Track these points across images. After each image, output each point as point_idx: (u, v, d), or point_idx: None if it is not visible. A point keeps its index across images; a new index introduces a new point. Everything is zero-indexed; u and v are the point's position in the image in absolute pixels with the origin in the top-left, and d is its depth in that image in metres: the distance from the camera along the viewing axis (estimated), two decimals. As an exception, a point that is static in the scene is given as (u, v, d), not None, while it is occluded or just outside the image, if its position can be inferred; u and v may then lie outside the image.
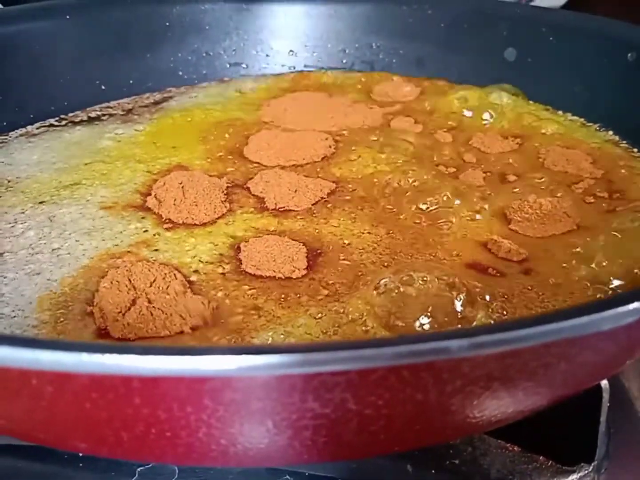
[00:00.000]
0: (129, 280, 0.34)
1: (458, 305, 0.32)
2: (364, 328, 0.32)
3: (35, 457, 0.35)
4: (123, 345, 0.22)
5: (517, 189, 0.43)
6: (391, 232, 0.40)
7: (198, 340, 0.32)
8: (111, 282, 0.34)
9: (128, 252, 0.38)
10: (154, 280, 0.35)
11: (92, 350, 0.19)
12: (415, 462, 0.34)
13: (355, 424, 0.24)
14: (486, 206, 0.41)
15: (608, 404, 0.35)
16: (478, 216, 0.41)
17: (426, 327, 0.32)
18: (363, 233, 0.39)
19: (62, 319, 0.33)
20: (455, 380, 0.23)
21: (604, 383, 0.35)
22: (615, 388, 0.38)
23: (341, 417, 0.23)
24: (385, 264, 0.37)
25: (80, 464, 0.34)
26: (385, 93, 0.59)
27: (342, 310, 0.33)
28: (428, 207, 0.41)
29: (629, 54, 0.50)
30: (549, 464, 0.34)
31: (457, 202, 0.41)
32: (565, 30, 0.55)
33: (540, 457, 0.34)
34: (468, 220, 0.41)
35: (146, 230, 0.40)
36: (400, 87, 0.59)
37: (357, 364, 0.20)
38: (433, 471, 0.33)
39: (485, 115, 0.53)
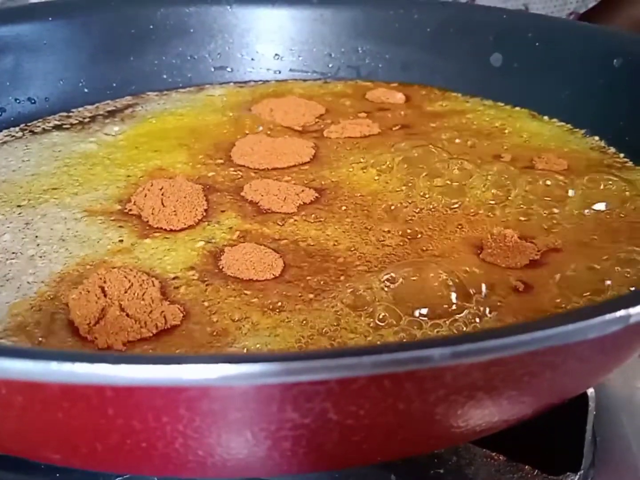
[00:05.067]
0: (102, 288, 0.34)
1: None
2: (346, 337, 0.32)
3: (10, 467, 0.34)
4: (94, 354, 0.22)
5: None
6: (379, 238, 0.39)
7: (173, 348, 0.31)
8: (80, 293, 0.33)
9: (105, 259, 0.37)
10: (130, 287, 0.34)
11: (62, 358, 0.19)
12: (399, 472, 0.33)
13: (336, 434, 0.23)
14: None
15: (594, 413, 0.35)
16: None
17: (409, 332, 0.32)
18: (345, 238, 0.39)
19: (35, 327, 0.32)
20: (438, 390, 0.22)
21: (590, 391, 0.35)
22: (601, 396, 0.38)
23: (321, 428, 0.22)
24: (370, 269, 0.36)
25: (57, 474, 0.33)
26: (377, 97, 0.59)
27: (321, 318, 0.33)
28: (415, 215, 0.41)
29: (615, 60, 0.50)
30: (535, 473, 0.34)
31: (447, 210, 0.41)
32: (551, 35, 0.55)
33: (526, 467, 0.34)
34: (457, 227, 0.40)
35: (122, 239, 0.39)
36: (392, 94, 0.59)
37: (337, 373, 0.20)
38: (417, 481, 0.33)
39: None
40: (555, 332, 0.21)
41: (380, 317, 0.33)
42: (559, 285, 0.35)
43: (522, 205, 0.42)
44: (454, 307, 0.33)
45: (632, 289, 0.34)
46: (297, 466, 0.25)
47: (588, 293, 0.34)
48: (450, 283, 0.34)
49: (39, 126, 0.53)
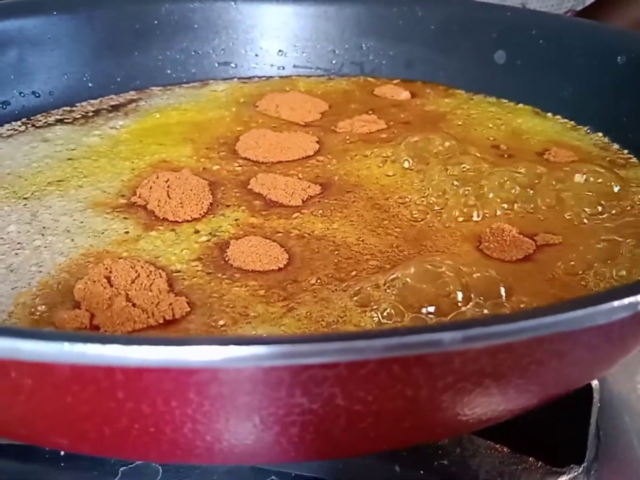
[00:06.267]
0: (107, 279, 0.34)
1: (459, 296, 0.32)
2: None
3: (15, 456, 0.34)
4: (106, 335, 0.22)
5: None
6: (387, 232, 0.39)
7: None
8: (86, 283, 0.33)
9: (111, 250, 0.37)
10: (137, 277, 0.34)
11: (74, 339, 0.19)
12: (403, 463, 0.33)
13: (343, 420, 0.23)
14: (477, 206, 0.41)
15: (599, 405, 0.35)
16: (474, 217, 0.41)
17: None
18: (352, 232, 0.39)
19: (40, 317, 0.32)
20: (447, 376, 0.22)
21: (595, 383, 0.35)
22: (605, 389, 0.38)
23: (329, 413, 0.22)
24: (378, 264, 0.36)
25: (62, 463, 0.34)
26: (383, 94, 0.59)
27: (327, 310, 0.33)
28: (424, 208, 0.41)
29: (619, 57, 0.50)
30: (539, 465, 0.34)
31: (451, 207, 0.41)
32: (555, 33, 0.55)
33: (530, 458, 0.34)
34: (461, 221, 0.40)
35: (128, 230, 0.39)
36: (397, 90, 0.59)
37: (347, 356, 0.20)
38: (421, 472, 0.33)
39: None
40: (564, 317, 0.21)
41: (385, 313, 0.33)
42: (555, 280, 0.35)
43: (527, 201, 0.42)
44: (459, 304, 0.33)
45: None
46: (304, 453, 0.25)
47: (584, 284, 0.35)
48: (455, 281, 0.34)
49: (43, 120, 0.53)
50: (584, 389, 0.35)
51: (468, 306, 0.32)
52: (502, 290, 0.33)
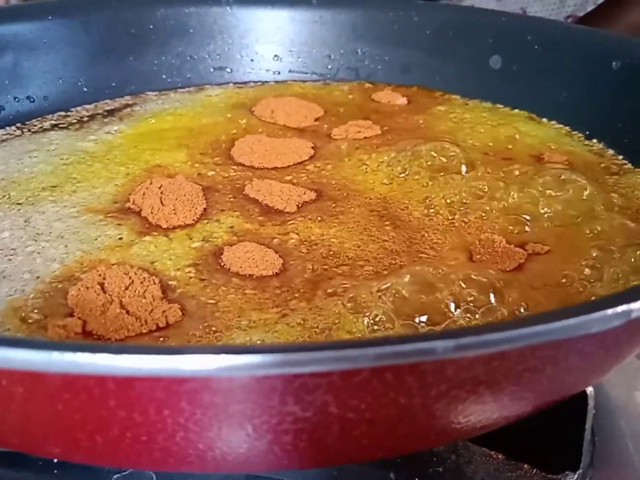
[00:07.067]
0: (101, 285, 0.34)
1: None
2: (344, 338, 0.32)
3: (7, 463, 0.34)
4: (97, 344, 0.22)
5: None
6: (382, 239, 0.39)
7: (173, 344, 0.31)
8: (79, 289, 0.33)
9: (104, 256, 0.37)
10: (131, 284, 0.34)
11: (64, 349, 0.19)
12: (398, 470, 0.33)
13: (336, 428, 0.23)
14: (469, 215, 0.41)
15: (593, 412, 0.35)
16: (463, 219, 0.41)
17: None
18: (347, 238, 0.39)
19: (33, 323, 0.32)
20: (440, 384, 0.22)
21: (590, 390, 0.35)
22: (600, 395, 0.38)
23: (322, 422, 0.22)
24: (372, 271, 0.36)
25: (55, 471, 0.33)
26: (378, 99, 0.59)
27: (320, 317, 0.33)
28: (415, 216, 0.41)
29: (614, 63, 0.50)
30: (534, 472, 0.34)
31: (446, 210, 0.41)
32: (551, 38, 0.55)
33: (525, 465, 0.34)
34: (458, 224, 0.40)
35: (122, 236, 0.39)
36: (393, 95, 0.59)
37: (340, 365, 0.20)
38: (416, 479, 0.33)
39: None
40: (557, 325, 0.21)
41: (377, 320, 0.33)
42: (549, 288, 0.35)
43: (520, 208, 0.42)
44: (450, 313, 0.33)
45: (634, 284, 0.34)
46: (297, 461, 0.25)
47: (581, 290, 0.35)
48: (447, 290, 0.34)
49: (38, 125, 0.53)
50: (579, 395, 0.35)
51: (460, 314, 0.32)
52: (495, 298, 0.33)
